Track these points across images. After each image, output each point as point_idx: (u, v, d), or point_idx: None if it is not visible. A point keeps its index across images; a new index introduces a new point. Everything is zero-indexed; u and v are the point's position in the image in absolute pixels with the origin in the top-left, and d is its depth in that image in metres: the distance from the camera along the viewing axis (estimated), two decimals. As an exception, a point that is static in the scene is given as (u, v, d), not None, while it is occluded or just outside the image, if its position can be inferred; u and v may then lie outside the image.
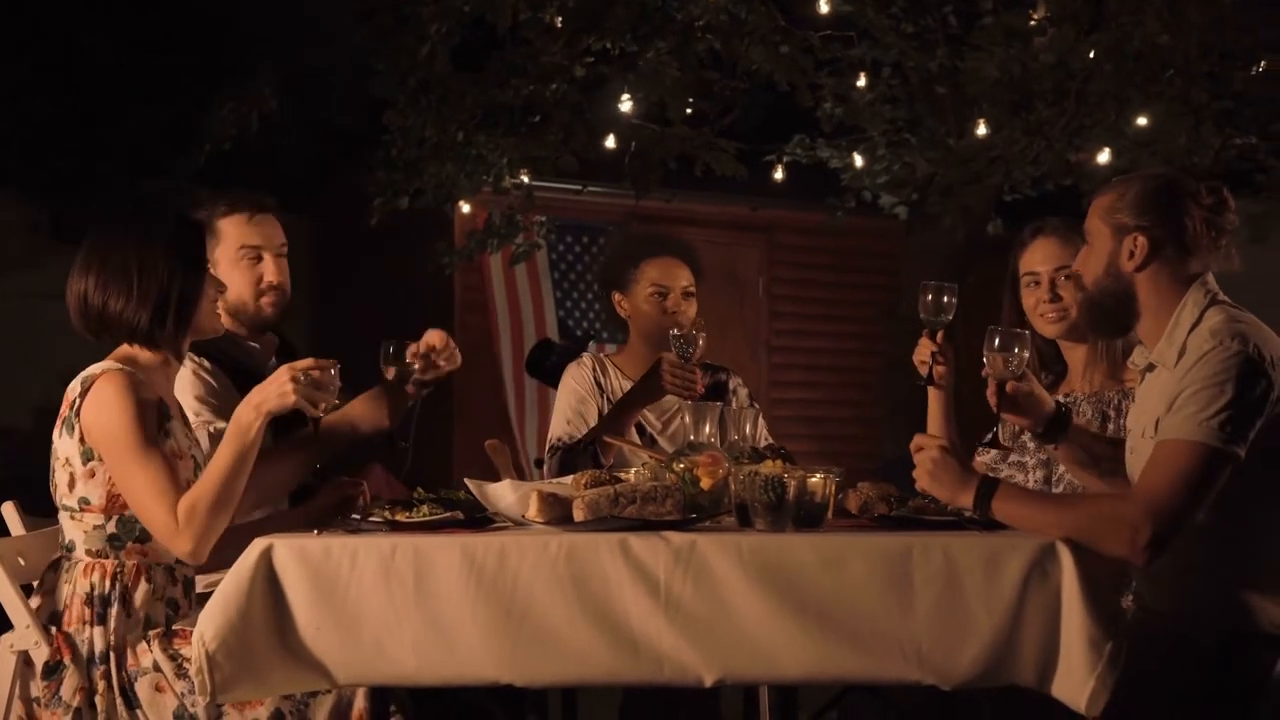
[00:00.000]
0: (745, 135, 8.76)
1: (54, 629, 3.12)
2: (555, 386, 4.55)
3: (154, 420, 3.13)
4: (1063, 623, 2.75)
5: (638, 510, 2.95)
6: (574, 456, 4.15)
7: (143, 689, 3.07)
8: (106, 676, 3.08)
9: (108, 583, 3.13)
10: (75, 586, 3.13)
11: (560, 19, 8.15)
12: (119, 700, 3.06)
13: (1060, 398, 3.73)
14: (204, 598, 3.20)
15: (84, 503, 3.15)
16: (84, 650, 3.09)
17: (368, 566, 2.84)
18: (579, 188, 9.59)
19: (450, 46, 8.30)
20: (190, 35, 11.68)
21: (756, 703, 3.95)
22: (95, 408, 3.10)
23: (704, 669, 2.79)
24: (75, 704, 3.05)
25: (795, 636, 2.77)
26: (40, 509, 3.48)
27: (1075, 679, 2.72)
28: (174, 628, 3.16)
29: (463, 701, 3.29)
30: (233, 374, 3.69)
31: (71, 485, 3.16)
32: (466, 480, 3.20)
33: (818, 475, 2.97)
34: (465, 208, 9.37)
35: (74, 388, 3.17)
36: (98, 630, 3.10)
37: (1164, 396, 2.98)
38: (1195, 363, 2.94)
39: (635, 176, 8.60)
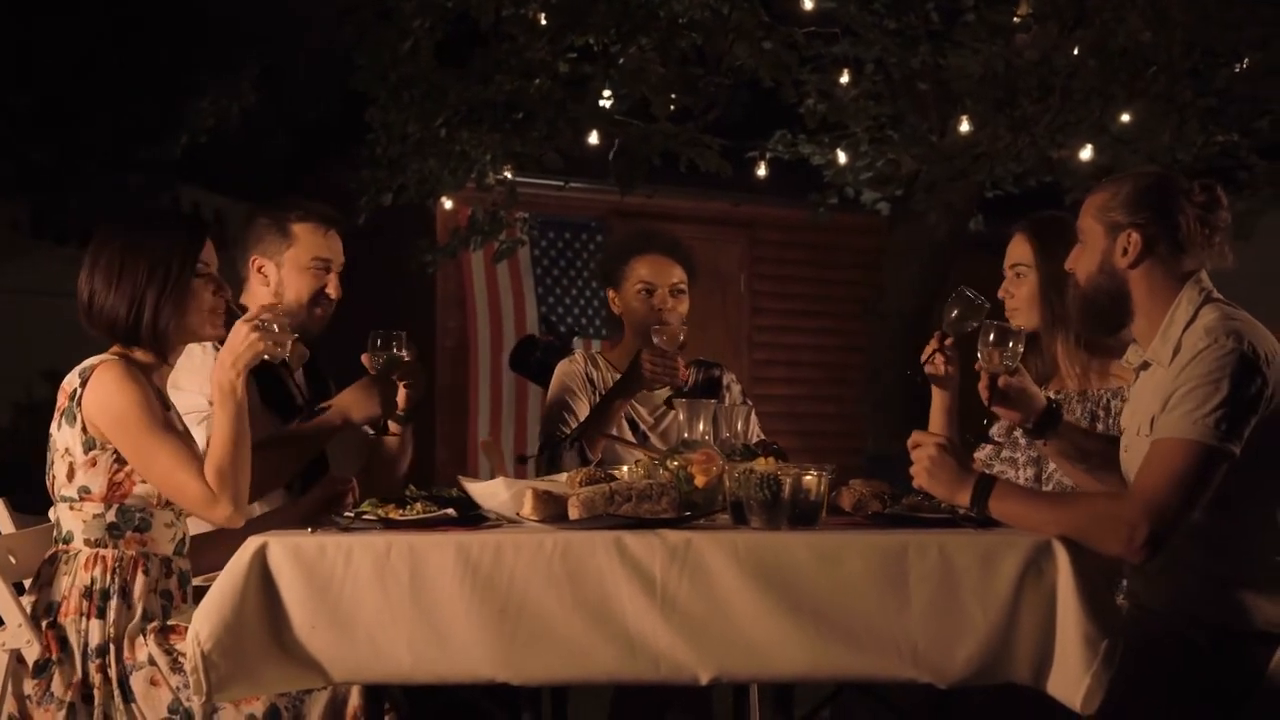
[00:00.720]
0: (726, 131, 8.76)
1: (45, 624, 3.12)
2: (539, 383, 4.56)
3: (158, 402, 3.16)
4: (1058, 620, 2.76)
5: (633, 508, 2.95)
6: (562, 452, 4.16)
7: (138, 683, 3.07)
8: (103, 670, 3.08)
9: (108, 576, 3.14)
10: (75, 579, 3.14)
11: (543, 15, 8.14)
12: (116, 693, 3.07)
13: (1050, 394, 3.74)
14: (199, 591, 3.21)
15: (84, 492, 3.16)
16: (78, 643, 3.10)
17: (363, 565, 2.83)
18: (561, 183, 9.59)
19: (433, 42, 8.27)
20: (170, 29, 11.63)
21: (747, 700, 3.95)
22: (100, 395, 3.12)
23: (700, 667, 2.79)
24: (68, 699, 3.06)
25: (791, 634, 2.77)
26: (19, 506, 3.47)
27: (1071, 677, 2.73)
28: (170, 623, 3.16)
29: (457, 699, 3.29)
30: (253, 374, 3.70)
31: (71, 475, 3.17)
32: (460, 478, 3.20)
33: (811, 473, 2.98)
34: (448, 204, 9.35)
35: (71, 379, 3.19)
36: (96, 623, 3.11)
37: (1159, 394, 2.98)
38: (1190, 360, 2.95)
39: (620, 173, 8.59)
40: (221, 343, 3.57)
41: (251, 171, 11.55)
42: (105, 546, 3.16)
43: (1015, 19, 7.88)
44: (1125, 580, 3.30)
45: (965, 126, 8.03)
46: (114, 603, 3.12)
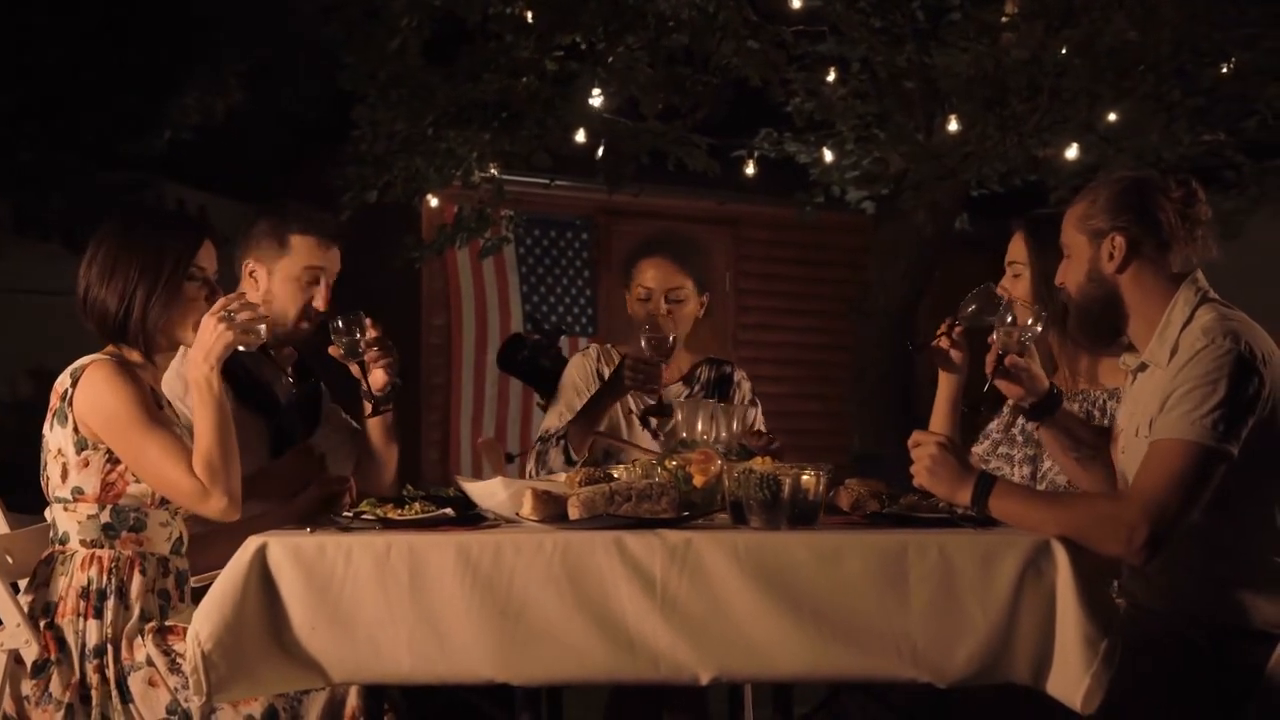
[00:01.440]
0: (712, 130, 8.76)
1: (43, 625, 3.12)
2: (527, 381, 4.54)
3: (151, 399, 3.16)
4: (1058, 620, 2.76)
5: (633, 508, 2.95)
6: (550, 449, 4.15)
7: (136, 683, 3.07)
8: (101, 670, 3.08)
9: (105, 576, 3.14)
10: (72, 579, 3.14)
11: (530, 14, 8.12)
12: (114, 694, 3.07)
13: None
14: (197, 591, 3.20)
15: (78, 493, 3.16)
16: (76, 643, 3.10)
17: (363, 565, 2.83)
18: (547, 181, 9.58)
19: (421, 40, 8.25)
20: (156, 25, 11.58)
21: (742, 699, 3.95)
22: (89, 394, 3.12)
23: (700, 667, 2.79)
24: (66, 699, 3.06)
25: (791, 634, 2.78)
26: (10, 505, 3.45)
27: (1070, 677, 2.73)
28: (167, 623, 3.16)
29: (455, 700, 3.28)
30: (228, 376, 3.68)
31: (64, 476, 3.17)
32: (458, 478, 3.20)
33: (810, 472, 2.98)
34: (433, 201, 9.33)
35: (63, 380, 3.19)
36: (93, 624, 3.11)
37: (1158, 396, 2.99)
38: (1188, 361, 2.96)
39: (608, 171, 8.58)
40: None
41: (237, 168, 11.51)
42: (101, 547, 3.16)
43: (1004, 18, 7.89)
44: (1117, 581, 3.31)
45: (953, 125, 8.04)
46: (111, 603, 3.12)
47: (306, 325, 3.81)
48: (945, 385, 3.67)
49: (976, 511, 2.97)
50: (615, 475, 3.22)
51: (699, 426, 3.59)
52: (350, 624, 2.82)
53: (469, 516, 3.09)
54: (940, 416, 3.67)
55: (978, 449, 3.84)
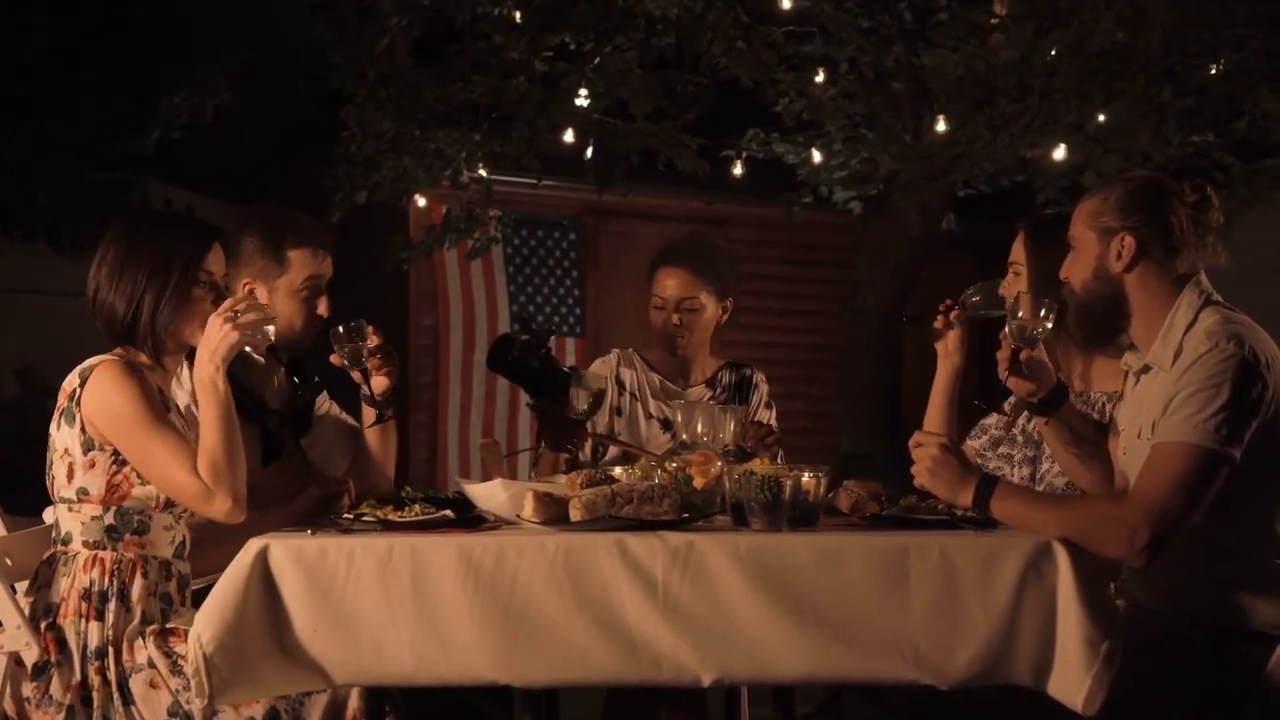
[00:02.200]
0: (700, 129, 8.76)
1: (44, 626, 3.11)
2: (517, 382, 4.53)
3: (159, 400, 3.16)
4: (1059, 622, 2.78)
5: (634, 510, 2.95)
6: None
7: (137, 685, 3.07)
8: (102, 672, 3.08)
9: (107, 578, 3.13)
10: (74, 580, 3.13)
11: (519, 14, 8.11)
12: (115, 695, 3.06)
13: None
14: (198, 594, 3.19)
15: (82, 493, 3.16)
16: (78, 645, 3.09)
17: (365, 567, 2.83)
18: (535, 181, 9.56)
19: (410, 40, 8.24)
20: (144, 25, 11.55)
21: (738, 698, 3.96)
22: (97, 394, 3.12)
23: (702, 669, 2.80)
24: (68, 701, 3.05)
25: (793, 636, 2.79)
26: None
27: (1072, 678, 2.75)
28: (169, 625, 3.15)
29: (456, 701, 3.28)
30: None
31: (70, 476, 3.17)
32: (458, 479, 3.20)
33: (810, 474, 2.98)
34: (421, 202, 9.32)
35: (72, 380, 3.19)
36: (95, 625, 3.10)
37: (1160, 398, 3.00)
38: (1191, 364, 2.96)
39: (598, 172, 8.58)
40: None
41: (225, 169, 11.47)
42: (103, 549, 3.16)
43: (994, 19, 7.90)
44: (1113, 584, 3.32)
45: (942, 126, 8.05)
46: (112, 605, 3.11)
47: (309, 334, 3.80)
48: (941, 375, 3.68)
49: (978, 513, 2.97)
50: (616, 477, 3.22)
51: (699, 428, 3.60)
52: (352, 626, 2.82)
53: (470, 518, 3.09)
54: (936, 410, 3.67)
55: (974, 443, 3.84)
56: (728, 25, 8.07)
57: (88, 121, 11.26)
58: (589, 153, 8.59)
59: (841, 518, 3.19)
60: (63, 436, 3.18)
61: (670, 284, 4.35)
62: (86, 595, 3.11)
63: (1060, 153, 7.89)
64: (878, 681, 2.92)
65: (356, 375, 3.67)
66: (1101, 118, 7.68)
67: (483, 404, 11.05)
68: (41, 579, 3.19)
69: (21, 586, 3.21)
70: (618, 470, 3.34)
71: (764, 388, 4.52)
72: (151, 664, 3.07)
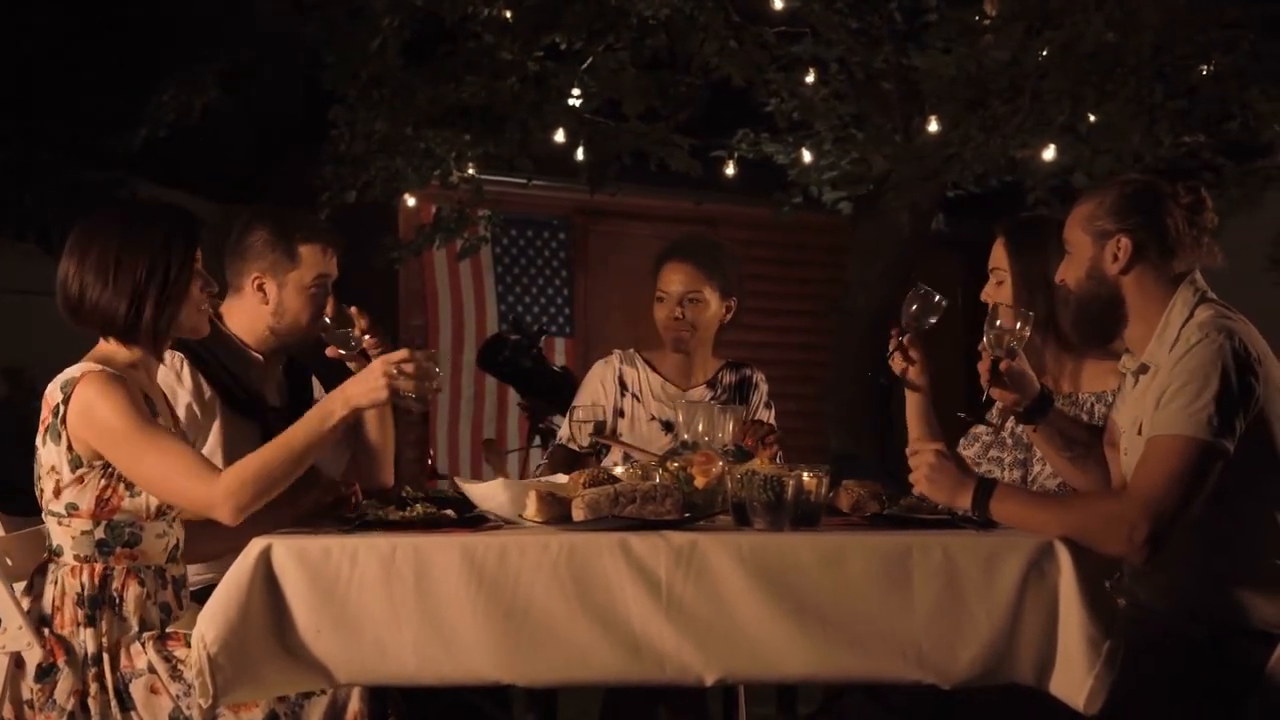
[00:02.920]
0: (691, 129, 8.76)
1: (46, 631, 3.08)
2: (508, 381, 4.54)
3: (145, 406, 3.09)
4: (1061, 621, 2.79)
5: (637, 510, 2.95)
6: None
7: (137, 691, 3.04)
8: (99, 679, 3.04)
9: (96, 584, 3.08)
10: (64, 587, 3.08)
11: (510, 14, 8.10)
12: (113, 702, 3.03)
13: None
14: (197, 594, 3.18)
15: (71, 509, 3.09)
16: (79, 652, 3.05)
17: (368, 567, 2.83)
18: (525, 181, 9.55)
19: (401, 40, 8.22)
20: (132, 23, 11.52)
21: (736, 696, 3.96)
22: (84, 412, 3.04)
23: (705, 669, 2.81)
24: (69, 707, 3.01)
25: (795, 636, 2.79)
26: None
27: (1074, 677, 2.76)
28: (168, 630, 3.12)
29: (458, 701, 3.28)
30: (212, 377, 3.65)
31: (58, 493, 3.10)
32: (457, 479, 3.20)
33: (811, 474, 2.99)
34: (411, 202, 9.30)
35: (54, 393, 3.10)
36: (89, 632, 3.05)
37: (1156, 393, 3.01)
38: (1183, 355, 2.99)
39: (590, 172, 8.58)
40: (202, 346, 3.54)
41: (213, 167, 11.46)
42: (95, 562, 3.09)
43: (986, 21, 7.91)
44: (1109, 583, 3.32)
45: (933, 126, 8.06)
46: (104, 612, 3.07)
47: (314, 334, 3.76)
48: (912, 398, 3.66)
49: (977, 516, 2.98)
50: (619, 476, 3.23)
51: (700, 428, 3.60)
52: (356, 625, 2.82)
53: (472, 518, 3.08)
54: (915, 428, 3.65)
55: (967, 452, 3.85)
56: (719, 25, 8.07)
57: (78, 122, 11.23)
58: (580, 153, 8.58)
59: (842, 517, 3.20)
60: (49, 454, 3.10)
61: (675, 278, 4.36)
62: (79, 601, 3.06)
63: (1050, 153, 7.90)
64: (880, 681, 2.93)
65: (354, 364, 3.63)
66: (1093, 118, 7.69)
67: (472, 404, 11.05)
68: (35, 588, 3.14)
69: (20, 588, 3.19)
70: (620, 470, 3.35)
71: (764, 387, 4.55)
72: (151, 669, 3.04)
